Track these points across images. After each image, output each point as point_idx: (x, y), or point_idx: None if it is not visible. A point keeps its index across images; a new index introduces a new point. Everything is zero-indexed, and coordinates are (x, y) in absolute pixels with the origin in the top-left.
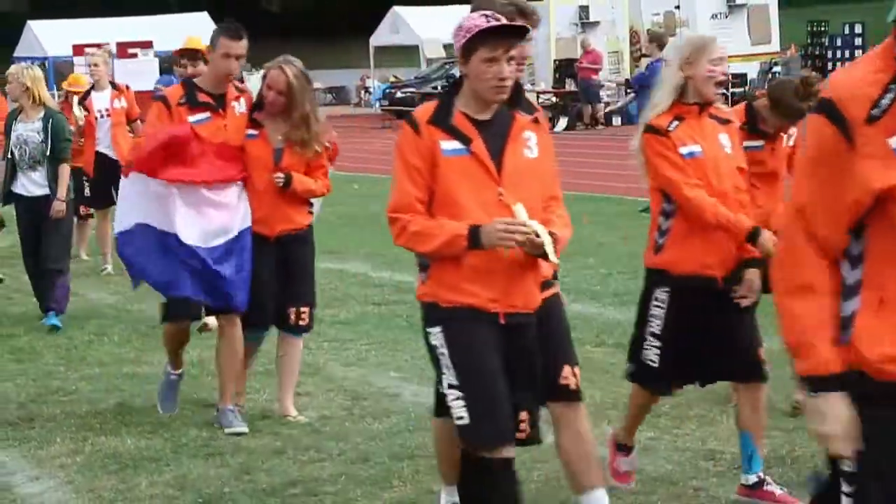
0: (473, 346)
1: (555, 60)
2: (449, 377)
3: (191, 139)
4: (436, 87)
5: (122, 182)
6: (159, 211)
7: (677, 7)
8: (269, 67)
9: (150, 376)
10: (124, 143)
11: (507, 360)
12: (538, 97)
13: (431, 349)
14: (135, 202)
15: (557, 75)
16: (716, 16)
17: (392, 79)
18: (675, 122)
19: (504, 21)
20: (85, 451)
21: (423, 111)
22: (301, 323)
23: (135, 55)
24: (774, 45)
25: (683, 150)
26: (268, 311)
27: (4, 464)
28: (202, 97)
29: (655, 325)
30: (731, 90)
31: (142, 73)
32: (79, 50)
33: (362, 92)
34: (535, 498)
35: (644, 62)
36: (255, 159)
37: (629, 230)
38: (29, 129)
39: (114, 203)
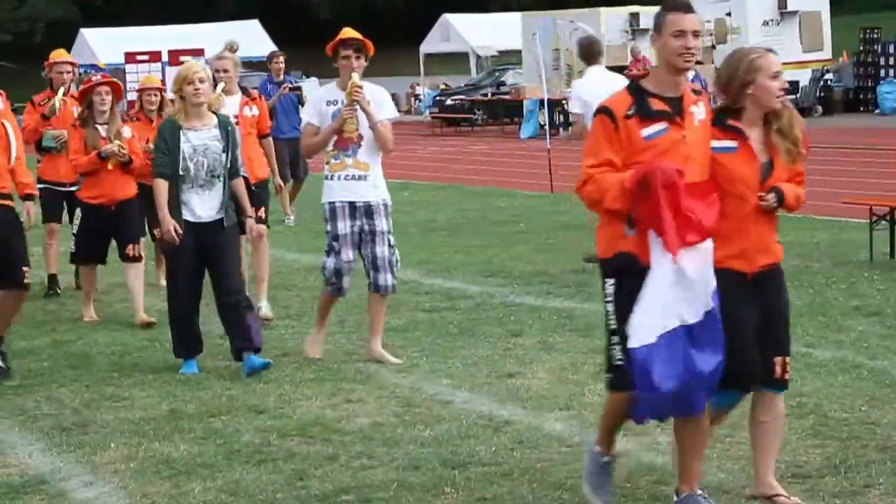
0: None
1: (605, 67)
2: None
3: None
4: (486, 94)
5: (655, 276)
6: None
7: (728, 14)
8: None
9: (201, 382)
10: (256, 158)
11: None
12: None
13: None
14: (659, 294)
15: None
16: (767, 23)
17: (442, 86)
18: None
19: None
20: (138, 456)
21: None
22: (786, 376)
23: None
24: (826, 53)
25: None
26: (758, 369)
27: (59, 469)
28: (656, 104)
29: None
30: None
31: None
32: (130, 57)
33: (412, 99)
34: None
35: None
36: (739, 180)
37: None
38: (207, 138)
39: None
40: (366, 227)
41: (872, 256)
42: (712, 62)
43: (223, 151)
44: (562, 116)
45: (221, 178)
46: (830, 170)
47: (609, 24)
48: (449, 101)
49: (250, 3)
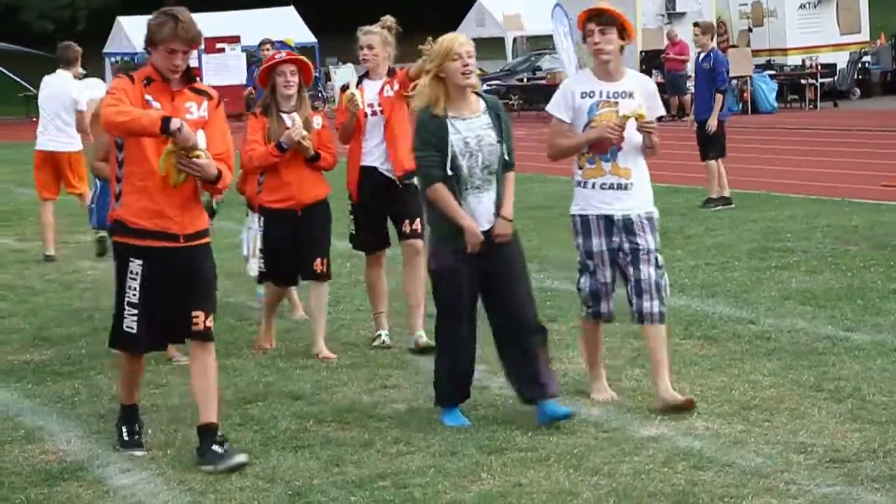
0: None
1: (641, 52)
2: None
3: None
4: (521, 80)
5: None
6: None
7: None
8: None
9: (238, 368)
10: (403, 142)
11: None
12: None
13: None
14: None
15: (643, 66)
16: (804, 6)
17: (478, 71)
18: None
19: None
20: (175, 443)
21: None
22: None
23: (222, 50)
24: (864, 35)
25: None
26: None
27: (97, 456)
28: None
29: None
30: (820, 80)
31: (229, 68)
32: None
33: None
34: (625, 490)
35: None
36: None
37: (716, 221)
38: (479, 127)
39: (387, 244)
40: (625, 244)
41: None
42: (748, 44)
43: (498, 142)
44: None
45: (497, 176)
46: (868, 153)
47: (645, 7)
48: (485, 87)
49: None
